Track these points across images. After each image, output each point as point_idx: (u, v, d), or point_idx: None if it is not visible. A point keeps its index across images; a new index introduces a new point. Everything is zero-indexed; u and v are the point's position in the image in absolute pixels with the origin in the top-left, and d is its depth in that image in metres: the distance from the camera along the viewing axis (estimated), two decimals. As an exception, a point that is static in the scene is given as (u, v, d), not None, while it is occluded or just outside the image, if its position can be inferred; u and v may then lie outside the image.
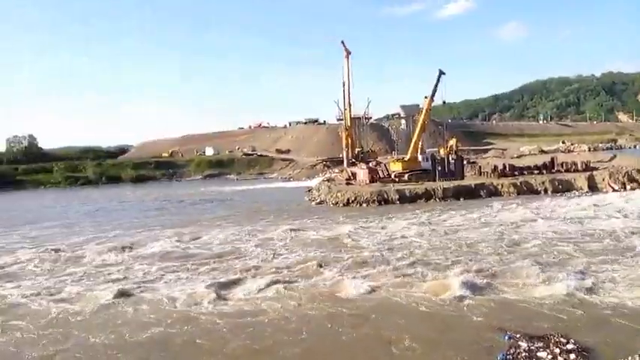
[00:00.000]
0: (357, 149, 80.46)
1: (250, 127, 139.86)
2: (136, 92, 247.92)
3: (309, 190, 51.36)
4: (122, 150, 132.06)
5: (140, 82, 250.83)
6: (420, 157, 49.11)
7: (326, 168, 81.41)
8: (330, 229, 27.38)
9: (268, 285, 16.26)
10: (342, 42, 74.96)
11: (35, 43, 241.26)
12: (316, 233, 26.37)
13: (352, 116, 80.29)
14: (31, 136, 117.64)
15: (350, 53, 74.84)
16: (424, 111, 50.51)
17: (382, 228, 27.16)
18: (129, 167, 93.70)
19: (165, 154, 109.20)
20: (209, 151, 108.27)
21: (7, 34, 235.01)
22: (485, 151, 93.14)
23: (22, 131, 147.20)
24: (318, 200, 42.79)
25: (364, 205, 38.29)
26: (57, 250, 24.26)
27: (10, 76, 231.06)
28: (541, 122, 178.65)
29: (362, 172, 48.72)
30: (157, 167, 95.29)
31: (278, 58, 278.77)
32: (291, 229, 27.27)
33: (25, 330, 13.29)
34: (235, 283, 16.93)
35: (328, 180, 56.02)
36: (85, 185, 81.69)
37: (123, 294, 15.94)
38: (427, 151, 55.12)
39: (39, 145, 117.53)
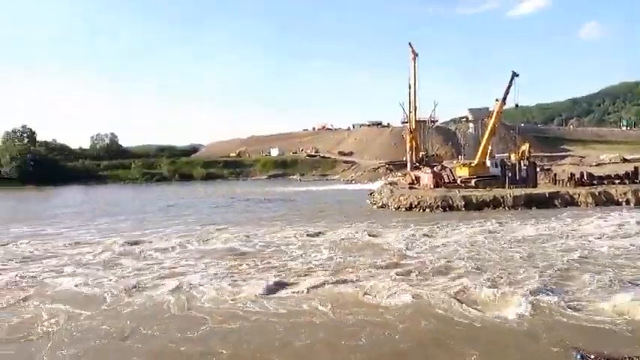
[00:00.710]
0: (421, 153, 78.68)
1: (314, 128, 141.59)
2: (208, 92, 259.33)
3: (371, 193, 51.10)
4: (194, 149, 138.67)
5: (213, 83, 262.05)
6: (488, 163, 47.25)
7: (389, 171, 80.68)
8: (390, 234, 27.08)
9: (318, 286, 16.29)
10: (410, 44, 73.75)
11: (119, 49, 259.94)
12: (376, 237, 26.18)
13: (417, 119, 78.81)
14: (112, 134, 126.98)
15: (417, 55, 73.46)
16: (495, 114, 48.56)
17: (445, 235, 26.45)
18: (199, 165, 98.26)
19: (233, 154, 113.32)
20: (274, 152, 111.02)
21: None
22: (561, 157, 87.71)
23: (104, 129, 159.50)
24: (379, 204, 42.46)
25: (427, 210, 37.47)
26: (131, 243, 25.84)
27: (92, 79, 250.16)
28: (624, 128, 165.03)
29: (426, 176, 47.71)
30: (225, 166, 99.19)
31: (344, 59, 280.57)
32: (350, 232, 27.31)
33: (93, 318, 14.29)
34: (288, 283, 17.05)
35: (391, 183, 55.43)
36: (160, 182, 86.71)
37: (178, 288, 16.58)
38: (497, 156, 52.81)
39: (119, 143, 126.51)
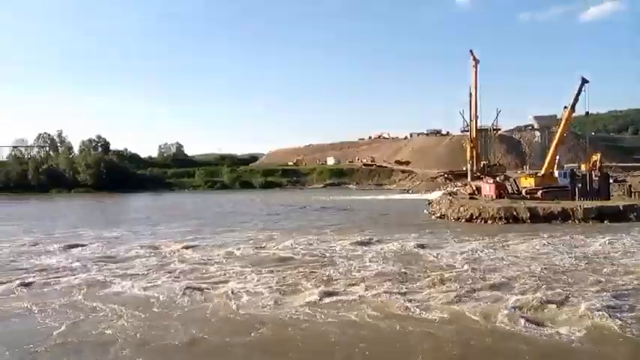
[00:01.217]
0: (482, 162, 76.07)
1: (371, 137, 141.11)
2: (268, 101, 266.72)
3: (428, 203, 50.01)
4: (254, 157, 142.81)
5: (272, 93, 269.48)
6: (556, 173, 44.84)
7: (448, 181, 78.64)
8: (448, 245, 26.31)
9: (367, 296, 16.12)
10: (471, 51, 71.85)
11: (180, 63, 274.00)
12: (432, 249, 25.53)
13: (479, 127, 76.35)
14: (178, 143, 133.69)
15: (478, 62, 71.44)
16: (563, 122, 46.08)
17: (508, 247, 25.31)
18: (259, 174, 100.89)
19: (291, 163, 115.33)
20: (330, 161, 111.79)
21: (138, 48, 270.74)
22: (636, 168, 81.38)
23: (171, 139, 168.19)
24: (438, 214, 41.44)
25: (489, 222, 36.06)
26: (189, 247, 26.83)
27: (156, 92, 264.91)
28: None
29: (488, 186, 45.98)
30: (283, 175, 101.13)
31: (403, 68, 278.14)
32: (405, 242, 26.79)
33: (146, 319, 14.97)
34: (335, 292, 16.92)
35: (450, 194, 53.97)
36: (221, 189, 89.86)
37: (228, 294, 16.93)
38: (565, 166, 50.03)
39: (184, 152, 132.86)
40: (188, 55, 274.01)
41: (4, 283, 19.09)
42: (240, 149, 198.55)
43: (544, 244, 25.70)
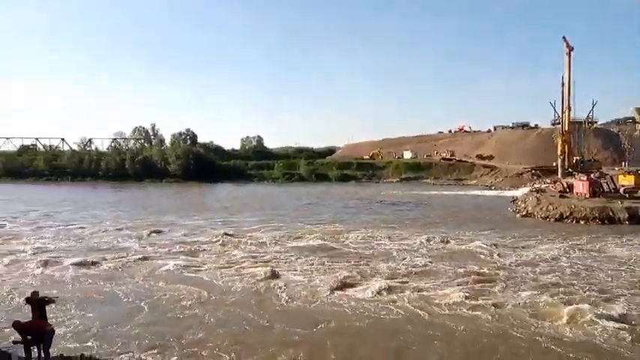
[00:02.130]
0: (575, 158, 70.74)
1: (450, 131, 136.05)
2: (342, 94, 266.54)
3: (513, 201, 47.61)
4: (330, 150, 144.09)
5: (347, 86, 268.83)
6: (661, 171, 40.56)
7: (535, 177, 73.85)
8: (532, 246, 24.90)
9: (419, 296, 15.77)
10: (564, 37, 67.00)
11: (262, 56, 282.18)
12: (517, 249, 24.31)
13: (572, 120, 70.95)
14: (259, 136, 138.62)
15: (572, 49, 66.36)
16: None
17: (604, 251, 23.45)
18: (335, 167, 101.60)
19: (366, 156, 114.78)
20: (407, 155, 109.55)
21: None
22: None
23: (252, 132, 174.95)
24: (524, 212, 39.34)
25: (581, 222, 33.61)
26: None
27: (241, 86, 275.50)
28: None
29: (581, 184, 42.73)
30: (358, 168, 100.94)
31: (486, 56, 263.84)
32: (486, 241, 25.77)
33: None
34: (395, 288, 16.85)
35: (537, 191, 50.75)
36: (298, 182, 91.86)
37: (274, 275, 17.57)
38: (673, 163, 45.03)
39: (264, 145, 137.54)
40: (277, 53, 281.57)
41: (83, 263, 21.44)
42: (317, 142, 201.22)
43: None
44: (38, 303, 10.02)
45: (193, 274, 19.61)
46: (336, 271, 19.68)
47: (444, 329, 12.98)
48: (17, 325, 9.93)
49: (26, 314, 9.97)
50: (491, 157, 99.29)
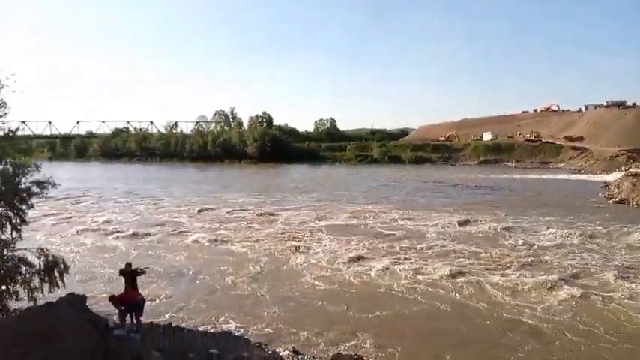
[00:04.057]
0: (681, 139, 63.47)
1: (536, 110, 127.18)
2: (419, 74, 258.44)
3: (605, 186, 43.94)
4: (404, 132, 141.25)
5: (423, 65, 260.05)
6: None
7: (631, 161, 67.31)
8: (624, 237, 22.84)
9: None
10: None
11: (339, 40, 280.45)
12: (608, 239, 22.45)
13: (679, 97, 63.38)
14: (332, 119, 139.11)
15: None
16: None
17: None
18: (408, 149, 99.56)
19: (442, 138, 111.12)
20: (487, 136, 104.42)
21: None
22: None
23: (326, 115, 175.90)
24: (617, 198, 36.19)
25: (684, 210, 30.26)
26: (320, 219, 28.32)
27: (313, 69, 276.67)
28: None
29: (686, 168, 38.35)
30: (433, 150, 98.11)
31: (576, 28, 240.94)
32: (572, 230, 23.97)
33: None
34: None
35: (634, 175, 46.26)
36: (371, 163, 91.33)
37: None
38: None
39: (337, 127, 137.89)
40: (347, 39, 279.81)
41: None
42: (391, 124, 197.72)
43: None
44: (131, 274, 10.94)
45: (232, 247, 20.90)
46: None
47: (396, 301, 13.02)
48: (112, 298, 10.98)
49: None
50: (581, 139, 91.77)
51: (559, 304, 13.74)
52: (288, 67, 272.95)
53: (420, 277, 16.48)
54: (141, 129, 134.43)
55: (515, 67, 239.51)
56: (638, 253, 19.59)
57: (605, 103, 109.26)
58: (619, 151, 73.85)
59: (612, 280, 15.84)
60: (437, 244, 21.43)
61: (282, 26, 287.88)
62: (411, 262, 18.29)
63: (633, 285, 15.17)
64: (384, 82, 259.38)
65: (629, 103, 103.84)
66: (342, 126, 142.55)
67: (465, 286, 15.40)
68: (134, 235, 23.96)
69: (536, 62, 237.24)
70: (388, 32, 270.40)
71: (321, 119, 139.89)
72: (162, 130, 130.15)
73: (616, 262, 18.12)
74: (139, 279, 11.06)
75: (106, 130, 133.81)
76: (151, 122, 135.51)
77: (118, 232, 24.79)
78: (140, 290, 10.91)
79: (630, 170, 54.64)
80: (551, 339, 11.61)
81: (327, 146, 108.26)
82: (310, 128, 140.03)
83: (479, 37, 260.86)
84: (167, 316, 12.93)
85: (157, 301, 14.05)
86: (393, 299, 14.39)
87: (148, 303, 11.27)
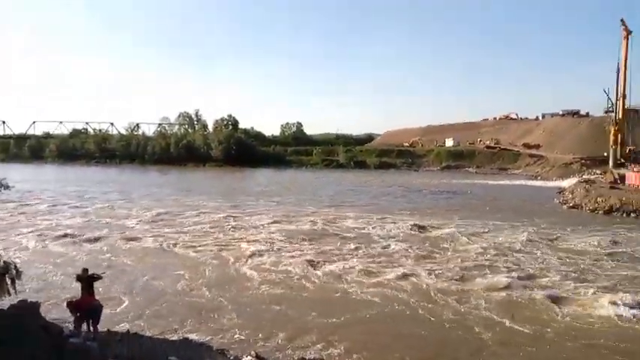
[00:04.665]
0: (628, 148, 67.11)
1: (496, 118, 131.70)
2: (383, 81, 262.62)
3: (560, 192, 45.86)
4: (369, 138, 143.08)
5: (388, 73, 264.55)
6: None
7: (584, 168, 70.63)
8: (577, 240, 23.90)
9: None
10: (622, 20, 63.09)
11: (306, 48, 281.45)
12: (559, 242, 23.43)
13: (626, 108, 67.10)
14: (298, 122, 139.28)
15: (630, 33, 62.40)
16: None
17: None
18: (374, 154, 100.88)
19: (406, 144, 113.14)
20: (449, 142, 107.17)
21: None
22: None
23: (292, 119, 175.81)
24: (571, 204, 37.81)
25: (632, 215, 31.94)
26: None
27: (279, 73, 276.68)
28: None
29: (634, 175, 40.70)
30: (398, 155, 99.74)
31: (534, 41, 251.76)
32: (525, 235, 24.89)
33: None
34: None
35: (587, 182, 48.61)
36: (337, 168, 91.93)
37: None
38: None
39: (304, 131, 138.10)
40: (311, 41, 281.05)
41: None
42: (357, 129, 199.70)
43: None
44: (87, 280, 10.53)
45: (194, 253, 20.61)
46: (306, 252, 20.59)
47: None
48: (69, 304, 10.53)
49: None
50: (538, 146, 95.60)
51: (488, 303, 14.18)
52: (254, 71, 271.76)
53: (373, 280, 16.61)
54: (100, 130, 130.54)
55: (477, 76, 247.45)
56: (578, 255, 20.48)
57: (560, 112, 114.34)
58: (573, 158, 77.34)
59: (558, 280, 16.52)
60: (392, 248, 21.65)
61: (248, 29, 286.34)
62: (366, 265, 18.42)
63: (574, 285, 15.91)
64: (350, 88, 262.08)
65: (583, 113, 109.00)
66: (309, 130, 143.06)
67: (414, 288, 15.68)
68: (85, 239, 23.01)
69: (498, 71, 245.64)
70: (353, 37, 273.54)
71: (288, 123, 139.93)
72: (123, 132, 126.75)
73: (562, 266, 18.88)
74: (95, 285, 10.67)
75: (64, 130, 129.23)
76: (112, 123, 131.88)
77: (69, 236, 23.74)
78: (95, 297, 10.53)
79: (583, 177, 57.37)
80: (497, 340, 11.94)
81: (293, 150, 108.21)
82: (277, 132, 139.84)
83: (444, 46, 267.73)
84: (124, 323, 12.49)
85: (113, 307, 13.55)
86: (349, 303, 14.45)
87: (103, 310, 10.85)
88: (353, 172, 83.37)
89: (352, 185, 56.86)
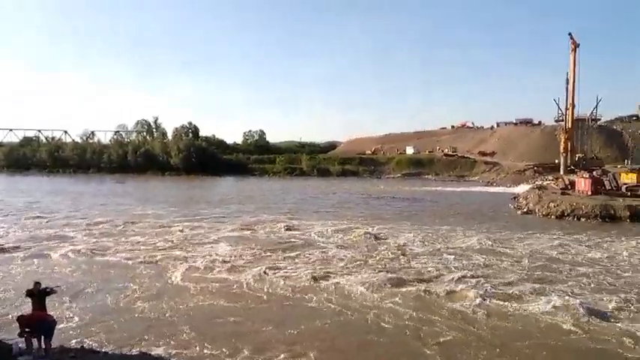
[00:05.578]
0: (577, 155, 70.77)
1: (453, 127, 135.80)
2: (344, 90, 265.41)
3: (514, 198, 47.53)
4: (332, 146, 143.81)
5: (349, 82, 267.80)
6: (663, 169, 40.50)
7: (537, 174, 73.73)
8: (536, 243, 24.85)
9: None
10: (570, 34, 66.80)
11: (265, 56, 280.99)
12: (521, 246, 24.25)
13: (575, 117, 70.79)
14: (261, 130, 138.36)
15: (578, 46, 66.10)
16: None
17: (601, 247, 23.44)
18: (336, 162, 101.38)
19: (368, 152, 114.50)
20: (409, 150, 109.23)
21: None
22: None
23: (255, 126, 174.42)
24: (525, 209, 39.26)
25: (582, 219, 33.54)
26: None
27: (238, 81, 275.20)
28: None
29: (583, 181, 42.64)
30: (360, 163, 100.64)
31: (489, 52, 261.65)
32: (479, 238, 25.64)
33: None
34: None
35: (539, 188, 50.66)
36: (300, 176, 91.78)
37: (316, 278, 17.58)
38: (676, 161, 44.91)
39: (266, 139, 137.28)
40: (273, 47, 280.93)
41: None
42: (320, 137, 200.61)
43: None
44: (40, 294, 9.99)
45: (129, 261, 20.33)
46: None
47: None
48: (20, 319, 9.93)
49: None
50: (493, 154, 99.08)
51: (443, 309, 14.50)
52: (216, 79, 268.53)
53: (325, 288, 16.56)
54: (53, 138, 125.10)
55: (434, 87, 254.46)
56: (521, 259, 21.28)
57: (514, 121, 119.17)
58: (526, 165, 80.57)
59: (497, 282, 17.08)
60: (347, 255, 21.68)
61: (209, 36, 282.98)
62: (319, 273, 18.34)
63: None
64: (311, 97, 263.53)
65: (535, 122, 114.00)
66: (271, 138, 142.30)
67: (365, 297, 15.76)
68: (29, 253, 21.79)
69: (453, 83, 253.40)
70: (312, 45, 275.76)
71: (250, 131, 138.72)
72: (78, 140, 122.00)
73: (507, 268, 19.54)
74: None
75: (14, 138, 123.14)
76: (65, 131, 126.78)
77: (10, 250, 22.47)
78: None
79: (536, 183, 59.79)
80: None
81: (255, 158, 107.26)
82: (239, 140, 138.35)
83: (400, 56, 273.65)
84: (76, 339, 11.90)
85: (62, 323, 12.85)
86: (303, 312, 14.32)
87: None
88: (316, 179, 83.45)
89: (314, 193, 56.88)
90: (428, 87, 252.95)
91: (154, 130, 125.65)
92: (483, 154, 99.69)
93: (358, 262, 20.27)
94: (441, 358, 11.34)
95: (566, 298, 15.15)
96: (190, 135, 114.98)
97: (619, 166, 61.59)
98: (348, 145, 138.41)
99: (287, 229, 28.95)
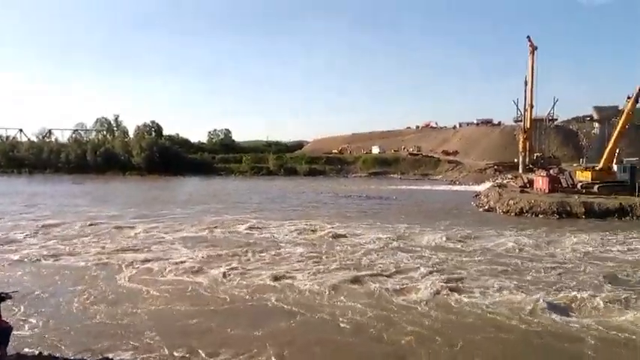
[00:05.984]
0: (535, 154, 73.18)
1: (417, 127, 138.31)
2: (311, 90, 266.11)
3: (476, 196, 48.69)
4: (299, 145, 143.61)
5: (317, 81, 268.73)
6: (615, 167, 42.36)
7: (497, 173, 75.86)
8: (492, 240, 25.47)
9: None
10: (528, 37, 69.00)
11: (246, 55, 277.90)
12: (478, 243, 24.81)
13: (533, 117, 73.22)
14: (226, 129, 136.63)
15: (536, 48, 68.36)
16: (625, 113, 43.35)
17: (552, 244, 24.33)
18: (304, 161, 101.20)
19: (335, 151, 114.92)
20: (375, 150, 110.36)
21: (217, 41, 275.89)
22: None
23: (220, 125, 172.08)
24: (486, 207, 40.26)
25: (540, 216, 34.69)
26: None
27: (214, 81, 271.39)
28: None
29: (541, 179, 44.13)
30: (327, 162, 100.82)
31: (452, 54, 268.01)
32: (442, 234, 26.15)
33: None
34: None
35: (499, 186, 52.13)
36: (267, 175, 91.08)
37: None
38: (625, 160, 47.07)
39: (232, 138, 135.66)
40: (248, 44, 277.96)
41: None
42: (287, 136, 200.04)
43: (600, 242, 24.50)
44: (-5, 300, 9.40)
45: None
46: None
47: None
48: None
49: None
50: (456, 153, 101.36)
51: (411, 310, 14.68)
52: (179, 78, 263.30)
53: (283, 287, 16.42)
54: (7, 137, 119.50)
55: (399, 88, 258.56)
56: (482, 255, 21.85)
57: (475, 121, 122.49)
58: (487, 164, 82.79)
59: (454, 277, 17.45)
60: (308, 254, 21.59)
61: (171, 32, 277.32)
62: (278, 272, 18.22)
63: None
64: (277, 97, 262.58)
65: (495, 122, 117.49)
66: (238, 137, 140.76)
67: (324, 295, 15.77)
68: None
69: (418, 85, 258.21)
70: (277, 43, 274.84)
71: (215, 130, 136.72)
72: (34, 139, 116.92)
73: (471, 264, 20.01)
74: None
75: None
76: (20, 130, 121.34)
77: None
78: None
79: (497, 181, 61.51)
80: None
81: (221, 157, 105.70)
82: (204, 139, 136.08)
83: (365, 58, 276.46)
84: (33, 345, 11.31)
85: (15, 329, 12.17)
86: (261, 312, 14.17)
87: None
88: (283, 179, 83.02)
89: (281, 192, 56.53)
90: (396, 88, 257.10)
91: (115, 128, 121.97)
92: (447, 153, 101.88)
93: (318, 261, 20.24)
94: (397, 353, 11.46)
95: (521, 292, 15.59)
96: (153, 134, 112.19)
97: (575, 165, 64.09)
98: (315, 144, 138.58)
99: (250, 229, 28.56)
